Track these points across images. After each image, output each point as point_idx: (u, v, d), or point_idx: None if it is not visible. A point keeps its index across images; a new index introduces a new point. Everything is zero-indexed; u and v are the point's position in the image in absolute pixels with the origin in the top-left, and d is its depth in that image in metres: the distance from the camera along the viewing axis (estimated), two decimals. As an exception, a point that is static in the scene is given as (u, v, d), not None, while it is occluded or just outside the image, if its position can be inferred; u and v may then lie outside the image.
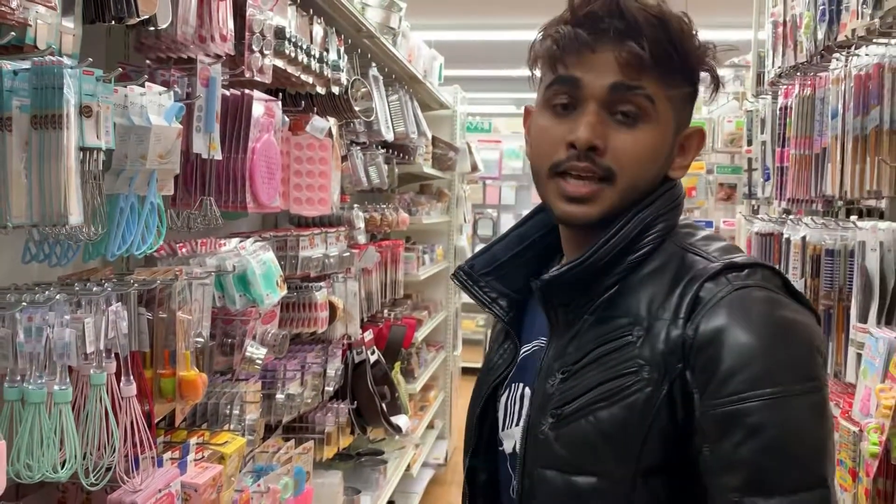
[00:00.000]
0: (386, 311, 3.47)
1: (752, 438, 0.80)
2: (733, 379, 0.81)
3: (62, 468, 1.12)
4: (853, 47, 1.95)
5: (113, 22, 1.23)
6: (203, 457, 1.55)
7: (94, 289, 1.22)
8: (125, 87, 1.24)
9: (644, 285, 0.90)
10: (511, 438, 0.99)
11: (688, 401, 0.84)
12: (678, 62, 0.90)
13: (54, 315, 1.12)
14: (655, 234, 0.91)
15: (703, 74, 0.95)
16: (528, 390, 0.97)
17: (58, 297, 1.14)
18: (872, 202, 2.22)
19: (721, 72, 0.99)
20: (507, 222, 7.79)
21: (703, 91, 0.99)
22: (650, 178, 0.92)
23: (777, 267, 0.96)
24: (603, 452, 0.87)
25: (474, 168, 5.15)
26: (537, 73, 0.96)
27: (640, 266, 0.91)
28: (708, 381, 0.82)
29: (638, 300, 0.89)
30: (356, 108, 2.42)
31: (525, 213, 1.04)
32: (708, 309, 0.84)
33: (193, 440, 1.56)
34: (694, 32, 0.92)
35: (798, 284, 2.10)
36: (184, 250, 1.63)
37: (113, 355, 1.21)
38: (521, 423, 0.94)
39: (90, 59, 1.13)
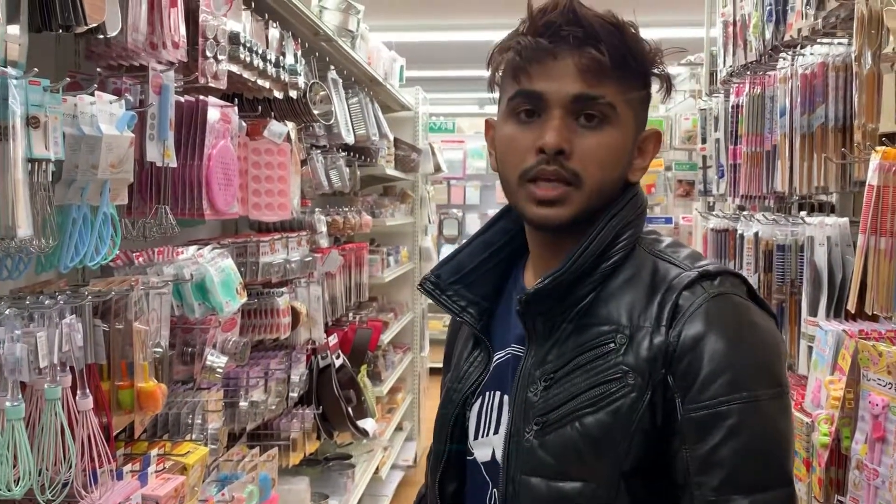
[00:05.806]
0: (351, 314, 3.46)
1: (732, 439, 0.84)
2: (713, 384, 0.85)
3: (17, 485, 1.10)
4: (799, 47, 2.00)
5: (60, 30, 1.21)
6: (164, 468, 1.53)
7: (47, 302, 1.19)
8: (75, 96, 1.23)
9: (621, 293, 0.92)
10: (487, 447, 0.98)
11: (668, 405, 0.87)
12: (634, 66, 0.92)
13: (4, 330, 1.10)
14: (625, 242, 0.93)
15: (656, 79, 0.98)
16: (506, 398, 0.97)
17: (7, 311, 1.12)
18: (824, 197, 2.28)
19: (676, 70, 1.01)
20: (473, 222, 7.79)
21: (656, 92, 1.00)
22: (614, 180, 0.94)
23: (742, 273, 1.00)
24: (588, 457, 0.88)
25: (437, 169, 5.15)
26: (497, 87, 0.97)
27: (614, 274, 0.93)
28: (689, 386, 0.86)
29: (617, 308, 0.91)
30: (315, 112, 2.41)
31: (490, 212, 1.04)
32: (688, 317, 0.87)
33: (154, 451, 1.54)
34: (642, 38, 0.95)
35: (752, 280, 2.15)
36: (140, 259, 1.61)
37: (68, 368, 1.19)
38: (503, 431, 0.94)
39: (36, 69, 1.11)
